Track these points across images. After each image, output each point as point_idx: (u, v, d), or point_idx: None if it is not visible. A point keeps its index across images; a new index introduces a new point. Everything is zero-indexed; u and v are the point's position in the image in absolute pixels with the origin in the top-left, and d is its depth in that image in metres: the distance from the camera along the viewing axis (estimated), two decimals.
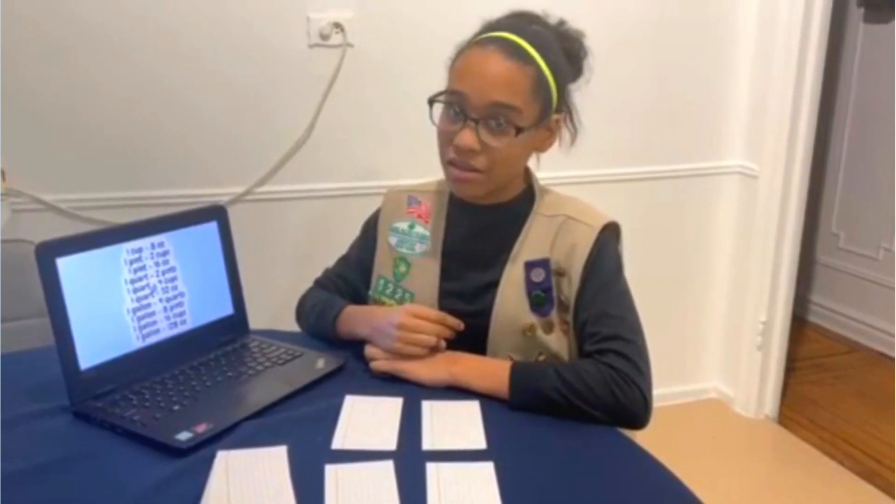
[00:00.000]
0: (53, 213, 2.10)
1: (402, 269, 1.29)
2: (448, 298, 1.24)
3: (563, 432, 1.03)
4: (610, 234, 1.21)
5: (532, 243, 1.21)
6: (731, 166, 2.58)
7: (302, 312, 1.38)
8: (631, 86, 2.39)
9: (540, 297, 1.19)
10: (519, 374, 1.10)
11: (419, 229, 1.30)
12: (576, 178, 2.15)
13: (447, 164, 1.19)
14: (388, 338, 1.14)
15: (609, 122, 2.35)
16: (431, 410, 1.07)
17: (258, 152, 2.19)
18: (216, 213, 1.26)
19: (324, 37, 2.13)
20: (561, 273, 1.19)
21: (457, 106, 1.14)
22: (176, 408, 1.04)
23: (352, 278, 1.38)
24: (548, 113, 1.17)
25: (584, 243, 1.19)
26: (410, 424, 1.03)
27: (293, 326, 1.37)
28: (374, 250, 1.34)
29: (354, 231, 1.43)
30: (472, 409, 1.08)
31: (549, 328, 1.19)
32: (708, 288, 2.69)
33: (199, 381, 1.12)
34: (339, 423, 1.03)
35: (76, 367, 1.05)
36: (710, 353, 2.77)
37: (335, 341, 1.27)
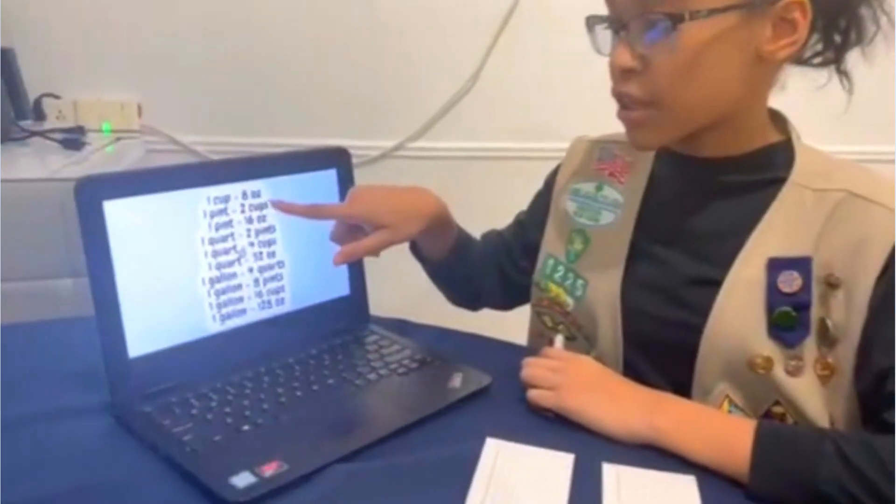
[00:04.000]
0: (189, 155, 1.90)
1: (579, 246, 0.91)
2: (635, 292, 0.84)
3: None
4: None
5: (783, 229, 0.78)
6: None
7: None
8: None
9: (788, 317, 0.76)
10: (770, 446, 0.68)
11: (609, 192, 0.91)
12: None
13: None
14: None
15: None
16: (618, 481, 0.68)
17: (413, 103, 1.87)
18: (336, 158, 0.93)
19: None
20: (833, 284, 0.75)
21: (610, 20, 0.78)
22: (246, 427, 0.72)
23: (514, 246, 1.03)
24: None
25: (883, 240, 0.74)
26: (584, 498, 0.65)
27: (428, 318, 1.02)
28: (545, 220, 0.96)
29: (514, 200, 1.07)
30: (686, 489, 0.68)
31: (797, 369, 0.76)
32: None
33: (287, 389, 0.80)
34: (475, 484, 0.66)
35: (122, 353, 0.76)
36: None
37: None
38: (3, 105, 1.62)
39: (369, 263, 0.94)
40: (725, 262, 0.79)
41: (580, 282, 0.89)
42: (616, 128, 0.85)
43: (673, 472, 0.69)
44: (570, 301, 0.89)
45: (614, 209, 0.90)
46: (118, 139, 1.81)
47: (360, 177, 0.93)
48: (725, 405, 0.78)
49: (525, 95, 1.87)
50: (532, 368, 0.80)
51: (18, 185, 1.35)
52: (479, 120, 1.89)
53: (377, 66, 1.86)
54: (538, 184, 1.04)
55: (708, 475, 0.69)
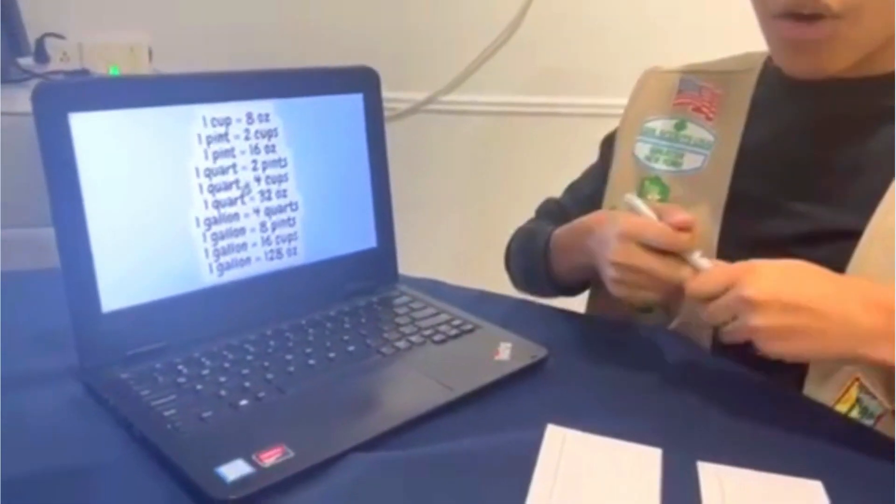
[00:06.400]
0: None
1: (654, 197, 0.75)
2: (736, 250, 0.67)
3: None
4: None
5: None
6: None
7: (510, 257, 0.92)
8: None
9: None
10: None
11: (695, 130, 0.75)
12: None
13: (773, 19, 0.64)
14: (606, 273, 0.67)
15: None
16: (721, 485, 0.52)
17: (446, 51, 1.71)
18: (363, 80, 0.77)
19: None
20: None
21: None
22: (244, 402, 0.57)
23: (572, 212, 0.84)
24: None
25: None
26: (674, 498, 0.50)
27: (466, 280, 0.86)
28: (609, 169, 0.79)
29: (558, 161, 0.90)
30: (810, 496, 0.52)
31: None
32: None
33: (297, 356, 0.65)
34: (536, 479, 0.51)
35: (94, 307, 0.61)
36: None
37: (561, 286, 0.84)
38: (2, 42, 1.48)
39: None
40: (862, 208, 0.62)
41: None
42: None
43: (783, 472, 0.54)
44: None
45: (702, 150, 0.73)
46: None
47: (387, 133, 0.78)
48: (854, 391, 0.62)
49: (571, 44, 1.69)
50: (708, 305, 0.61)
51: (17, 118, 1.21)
52: (520, 71, 1.72)
53: (407, 7, 1.69)
54: (587, 144, 0.88)
55: (839, 479, 0.53)
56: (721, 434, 0.59)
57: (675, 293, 0.63)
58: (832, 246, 0.63)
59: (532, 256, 0.83)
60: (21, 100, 1.42)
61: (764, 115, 0.72)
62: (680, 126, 0.76)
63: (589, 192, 0.86)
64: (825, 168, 0.67)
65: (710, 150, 0.73)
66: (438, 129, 1.75)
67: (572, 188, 0.91)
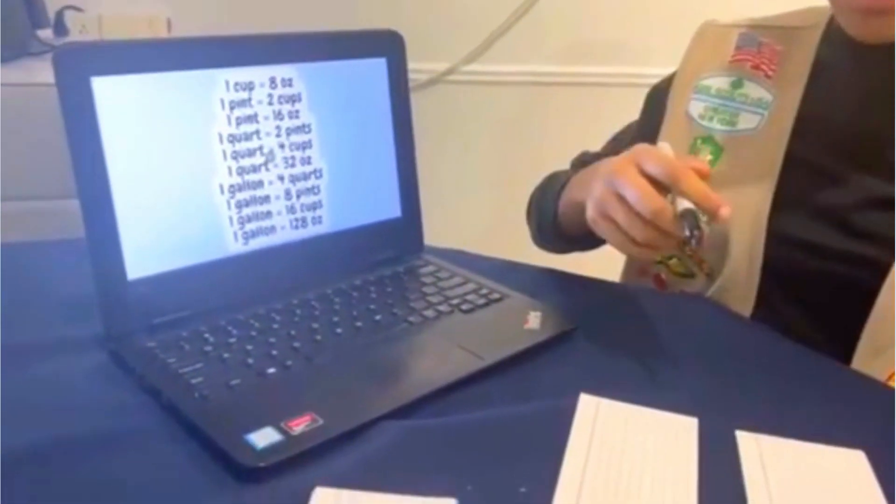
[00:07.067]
0: None
1: (707, 157, 0.72)
2: (789, 215, 0.66)
3: None
4: None
5: None
6: None
7: (530, 204, 0.90)
8: None
9: None
10: None
11: (752, 88, 0.72)
12: None
13: None
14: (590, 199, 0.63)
15: None
16: (760, 454, 0.51)
17: (468, 19, 1.68)
18: (388, 44, 0.75)
19: None
20: None
21: None
22: (272, 371, 0.57)
23: None
24: None
25: None
26: (718, 473, 0.48)
27: (493, 253, 0.85)
28: (659, 126, 0.77)
29: (586, 133, 0.88)
30: (854, 466, 0.50)
31: None
32: None
33: (324, 325, 0.64)
34: (571, 447, 0.50)
35: (119, 274, 0.60)
36: None
37: (567, 235, 0.81)
38: (20, 15, 1.47)
39: None
40: None
41: None
42: None
43: (824, 442, 0.52)
44: None
45: (759, 110, 0.71)
46: None
47: None
48: None
49: (598, 10, 1.65)
50: None
51: (33, 89, 1.21)
52: (544, 40, 1.68)
53: None
54: (616, 114, 0.85)
55: (882, 449, 0.51)
56: (760, 403, 0.57)
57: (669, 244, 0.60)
58: (884, 215, 0.61)
59: (546, 197, 0.81)
60: (40, 71, 1.41)
61: (827, 77, 0.69)
62: (737, 84, 0.74)
63: (628, 140, 0.83)
64: (885, 137, 0.65)
65: (768, 110, 0.71)
66: (460, 100, 1.73)
67: (615, 139, 0.88)
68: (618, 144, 0.86)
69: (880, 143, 0.65)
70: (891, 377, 0.60)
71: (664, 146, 0.65)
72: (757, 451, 0.51)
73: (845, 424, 0.54)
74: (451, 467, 0.48)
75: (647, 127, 0.81)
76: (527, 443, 0.51)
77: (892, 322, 0.60)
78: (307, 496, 0.45)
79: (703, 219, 0.57)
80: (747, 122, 0.72)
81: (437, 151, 1.62)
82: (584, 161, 0.88)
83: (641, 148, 0.62)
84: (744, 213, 0.68)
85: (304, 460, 0.48)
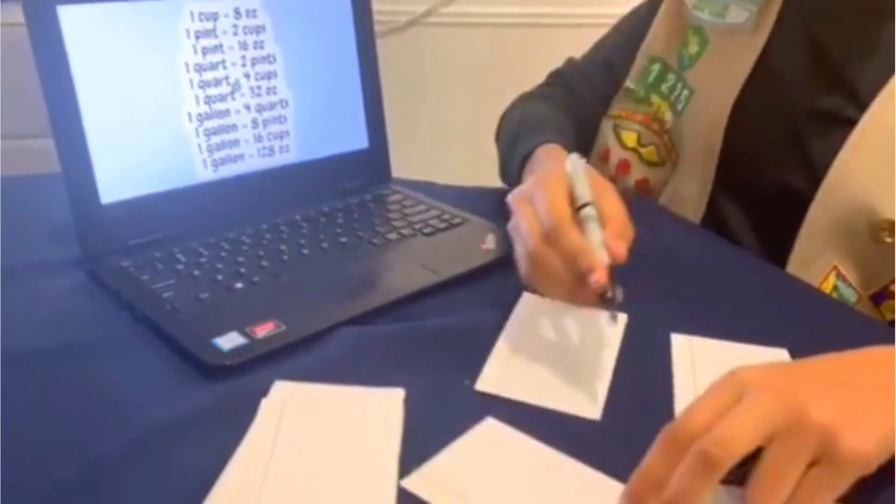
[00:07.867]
0: None
1: (694, 48, 0.74)
2: (749, 114, 0.68)
3: None
4: None
5: None
6: None
7: (501, 128, 0.87)
8: None
9: None
10: None
11: None
12: None
13: None
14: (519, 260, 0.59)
15: None
16: (692, 353, 0.55)
17: None
18: None
19: None
20: None
21: None
22: (239, 285, 0.60)
23: (599, 83, 0.84)
24: None
25: None
26: (642, 365, 0.53)
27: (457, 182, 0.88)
28: (651, 20, 0.79)
29: None
30: (778, 361, 0.55)
31: None
32: None
33: (291, 246, 0.67)
34: (504, 335, 0.55)
35: (93, 197, 0.64)
36: None
37: None
38: None
39: None
40: (866, 96, 0.62)
41: (685, 92, 0.73)
42: None
43: (754, 342, 0.56)
44: (670, 117, 0.73)
45: (749, 4, 0.71)
46: None
47: (385, 46, 0.77)
48: (832, 279, 0.63)
49: None
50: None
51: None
52: None
53: None
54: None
55: (803, 347, 0.56)
56: (698, 306, 0.61)
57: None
58: (831, 128, 0.63)
59: (512, 157, 0.78)
60: (17, 12, 1.42)
61: None
62: None
63: (614, 43, 0.83)
64: (849, 48, 0.65)
65: (757, 5, 0.70)
66: (439, 43, 1.73)
67: (600, 43, 0.87)
68: (598, 49, 0.86)
69: (842, 53, 0.65)
70: (818, 287, 0.64)
71: (573, 158, 0.61)
72: (689, 351, 0.55)
73: (775, 326, 0.58)
74: (403, 365, 0.52)
75: (637, 20, 0.82)
76: (472, 345, 0.55)
77: (823, 230, 0.63)
78: (268, 391, 0.49)
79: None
80: (736, 16, 0.72)
81: (417, 92, 1.63)
82: (563, 75, 0.88)
83: (540, 183, 0.57)
84: (711, 109, 0.70)
85: (267, 362, 0.52)
